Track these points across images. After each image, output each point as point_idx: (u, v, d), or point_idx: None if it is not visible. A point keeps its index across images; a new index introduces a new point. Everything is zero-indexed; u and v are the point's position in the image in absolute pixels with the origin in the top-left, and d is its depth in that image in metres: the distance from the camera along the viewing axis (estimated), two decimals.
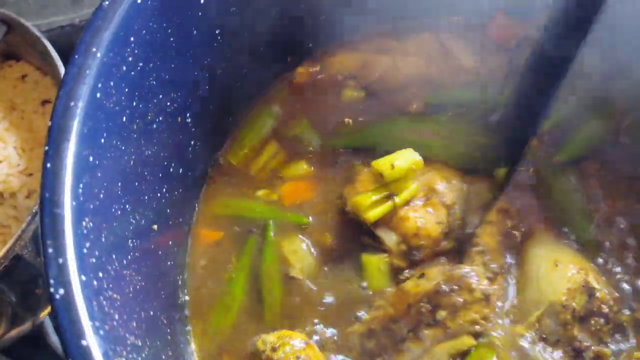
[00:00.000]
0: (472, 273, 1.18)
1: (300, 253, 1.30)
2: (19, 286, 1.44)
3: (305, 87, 1.52)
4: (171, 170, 1.24)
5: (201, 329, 1.25)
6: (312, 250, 1.31)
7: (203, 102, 1.31)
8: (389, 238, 1.23)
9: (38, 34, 1.53)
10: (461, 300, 1.14)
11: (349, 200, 1.27)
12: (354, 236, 1.29)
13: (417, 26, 1.56)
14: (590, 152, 1.38)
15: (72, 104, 0.89)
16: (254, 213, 1.36)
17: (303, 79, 1.52)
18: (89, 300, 0.77)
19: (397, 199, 1.23)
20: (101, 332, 0.76)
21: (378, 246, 1.26)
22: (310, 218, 1.34)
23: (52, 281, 0.76)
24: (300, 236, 1.33)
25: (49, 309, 1.54)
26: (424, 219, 1.24)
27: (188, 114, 1.26)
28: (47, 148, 0.85)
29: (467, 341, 1.14)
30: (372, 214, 1.22)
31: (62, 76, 1.44)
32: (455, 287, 1.15)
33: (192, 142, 1.32)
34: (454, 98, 1.46)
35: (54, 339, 1.56)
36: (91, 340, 0.74)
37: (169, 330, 1.13)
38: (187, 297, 1.29)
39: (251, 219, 1.36)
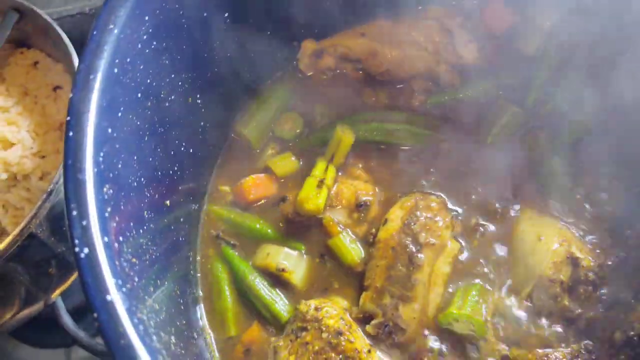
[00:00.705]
0: (420, 197, 1.32)
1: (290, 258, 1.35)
2: (32, 266, 1.47)
3: (309, 85, 1.56)
4: (182, 149, 1.28)
5: (209, 306, 1.31)
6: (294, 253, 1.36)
7: (212, 84, 1.35)
8: (339, 214, 1.35)
9: (50, 20, 1.56)
10: (428, 215, 1.28)
11: (289, 204, 1.37)
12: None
13: (423, 12, 1.58)
14: (583, 135, 1.43)
15: (92, 77, 0.93)
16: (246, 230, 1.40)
17: (307, 68, 1.55)
18: (111, 260, 0.81)
19: (328, 181, 1.37)
20: (124, 289, 0.80)
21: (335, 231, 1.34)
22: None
23: (76, 241, 0.80)
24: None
25: (61, 288, 1.57)
26: (354, 183, 1.38)
27: (198, 95, 1.30)
28: (68, 118, 0.89)
29: (454, 246, 1.29)
30: (317, 204, 1.33)
31: (74, 63, 1.50)
32: (417, 212, 1.29)
33: (202, 123, 1.36)
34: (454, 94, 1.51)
35: (65, 319, 1.58)
36: (115, 296, 0.78)
37: (181, 300, 1.17)
38: (198, 274, 1.33)
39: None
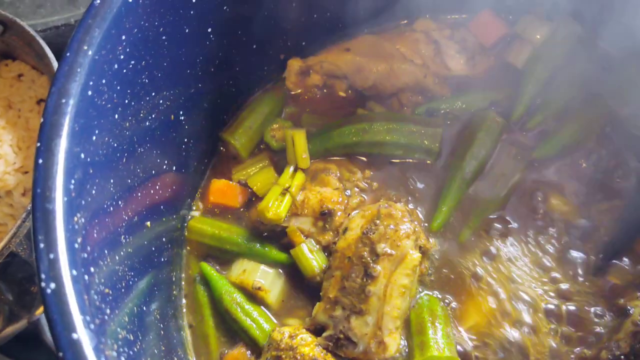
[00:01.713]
0: (385, 204, 1.27)
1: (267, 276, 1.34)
2: (14, 284, 1.45)
3: (297, 96, 1.54)
4: (165, 167, 1.25)
5: (194, 327, 1.28)
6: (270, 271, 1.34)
7: (196, 100, 1.33)
8: (304, 223, 1.33)
9: (34, 33, 1.54)
10: (390, 224, 1.23)
11: (255, 212, 1.36)
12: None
13: (409, 26, 1.57)
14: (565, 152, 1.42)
15: (64, 101, 0.90)
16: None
17: (294, 86, 1.53)
18: (80, 295, 0.78)
19: (292, 189, 1.35)
20: (92, 326, 0.77)
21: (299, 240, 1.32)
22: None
23: (43, 276, 0.77)
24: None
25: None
26: (321, 191, 1.35)
27: (181, 112, 1.28)
28: (38, 144, 0.86)
29: (415, 256, 1.23)
30: (277, 212, 1.32)
31: None
32: (377, 221, 1.24)
33: (186, 140, 1.33)
34: (443, 106, 1.49)
35: (49, 336, 1.56)
36: (82, 334, 0.75)
37: (161, 325, 1.14)
38: (182, 292, 1.31)
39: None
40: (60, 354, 0.73)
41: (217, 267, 1.35)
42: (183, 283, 1.35)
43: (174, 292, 1.30)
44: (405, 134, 1.41)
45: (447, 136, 1.45)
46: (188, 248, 1.38)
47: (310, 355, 1.16)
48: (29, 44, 1.58)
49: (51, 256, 0.78)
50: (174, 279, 1.31)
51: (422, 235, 1.30)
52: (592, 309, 1.27)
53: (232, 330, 1.28)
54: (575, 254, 1.33)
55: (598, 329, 1.25)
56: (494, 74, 1.51)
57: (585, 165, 1.41)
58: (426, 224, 1.37)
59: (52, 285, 0.77)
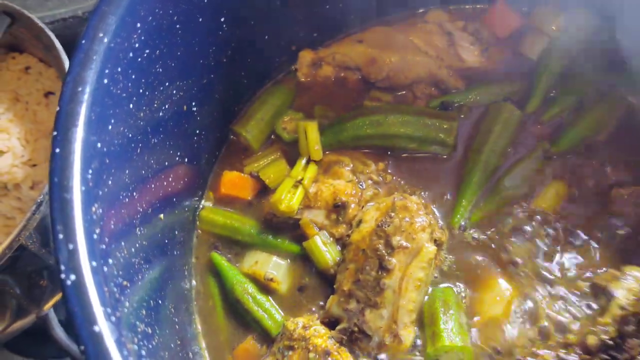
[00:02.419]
0: (399, 197, 1.26)
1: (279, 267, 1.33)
2: (23, 278, 1.43)
3: (308, 86, 1.52)
4: (177, 159, 1.23)
5: (206, 320, 1.27)
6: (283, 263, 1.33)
7: (208, 90, 1.31)
8: (317, 215, 1.31)
9: (42, 25, 1.52)
10: (405, 217, 1.22)
11: (268, 204, 1.35)
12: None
13: (422, 17, 1.55)
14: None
15: (80, 89, 0.88)
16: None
17: (306, 77, 1.51)
18: (100, 286, 0.76)
19: (305, 181, 1.33)
20: (113, 318, 0.75)
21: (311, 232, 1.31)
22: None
23: (62, 267, 0.75)
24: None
25: (53, 301, 1.52)
26: (334, 183, 1.33)
27: (194, 103, 1.26)
28: (55, 133, 0.84)
29: (430, 249, 1.21)
30: (289, 205, 1.30)
31: (66, 68, 1.45)
32: (392, 213, 1.22)
33: (198, 131, 1.31)
34: (457, 99, 1.47)
35: (57, 331, 1.54)
36: (103, 326, 0.74)
37: (176, 319, 1.12)
38: (194, 285, 1.29)
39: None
40: (82, 347, 0.71)
41: (229, 257, 1.34)
42: (194, 276, 1.33)
43: (186, 285, 1.28)
44: (420, 127, 1.39)
45: (462, 129, 1.43)
46: (199, 239, 1.36)
47: (323, 347, 1.15)
48: (37, 37, 1.56)
49: (70, 247, 0.76)
50: (186, 272, 1.29)
51: (437, 228, 1.28)
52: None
53: (244, 321, 1.27)
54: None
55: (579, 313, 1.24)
56: (508, 65, 1.49)
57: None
58: (440, 217, 1.35)
59: (72, 276, 0.75)
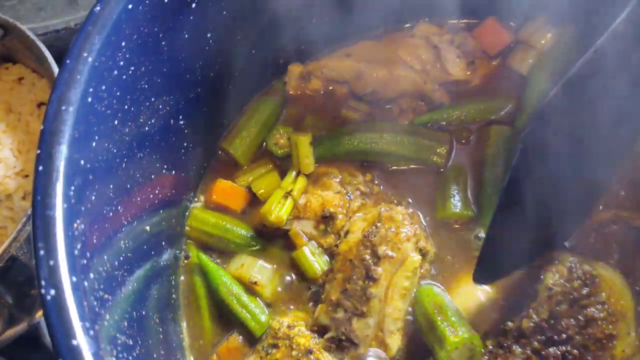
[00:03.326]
0: (386, 208, 1.29)
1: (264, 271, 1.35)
2: (14, 287, 1.45)
3: (297, 98, 1.54)
4: (163, 171, 1.26)
5: (191, 320, 1.30)
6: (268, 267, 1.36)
7: (195, 104, 1.33)
8: (306, 226, 1.34)
9: (34, 37, 1.54)
10: (390, 227, 1.25)
11: (258, 215, 1.38)
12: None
13: (410, 30, 1.57)
14: None
15: (64, 108, 0.90)
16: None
17: (295, 91, 1.54)
18: (79, 301, 0.79)
19: (294, 193, 1.37)
20: (91, 332, 0.78)
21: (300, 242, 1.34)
22: None
23: (43, 282, 0.78)
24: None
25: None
26: (323, 195, 1.36)
27: (181, 117, 1.28)
28: (39, 151, 0.86)
29: (415, 259, 1.25)
30: (278, 215, 1.33)
31: None
32: (378, 224, 1.26)
33: (185, 144, 1.33)
34: (445, 116, 1.49)
35: (49, 339, 1.56)
36: (81, 340, 0.76)
37: (161, 329, 1.15)
38: (181, 294, 1.32)
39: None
40: None
41: (215, 259, 1.37)
42: (181, 284, 1.36)
43: (173, 295, 1.30)
44: (415, 148, 1.42)
45: (454, 150, 1.45)
46: (188, 238, 1.39)
47: (306, 346, 1.19)
48: (29, 48, 1.59)
49: (51, 263, 0.79)
50: (173, 282, 1.31)
51: (423, 238, 1.31)
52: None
53: (229, 322, 1.30)
54: None
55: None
56: (495, 79, 1.51)
57: None
58: (426, 226, 1.38)
59: (52, 291, 0.77)
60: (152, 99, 1.15)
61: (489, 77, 1.52)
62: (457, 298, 1.30)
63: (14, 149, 1.55)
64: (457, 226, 1.38)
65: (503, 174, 1.38)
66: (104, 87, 0.98)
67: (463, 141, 1.46)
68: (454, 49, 1.53)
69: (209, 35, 1.28)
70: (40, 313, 1.55)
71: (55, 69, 1.50)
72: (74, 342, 0.75)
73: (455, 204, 1.36)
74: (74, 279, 0.80)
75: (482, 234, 1.35)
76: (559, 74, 1.42)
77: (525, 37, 1.52)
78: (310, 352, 1.18)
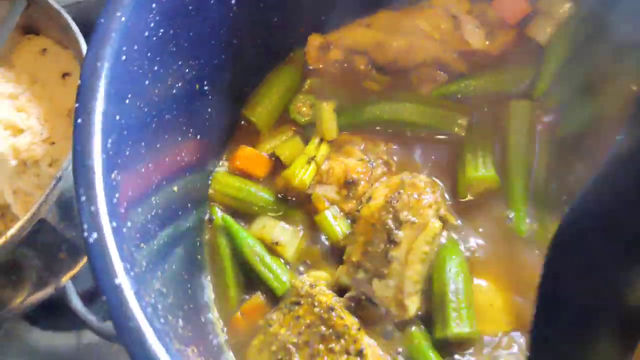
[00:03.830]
0: (408, 175, 1.32)
1: (285, 233, 1.38)
2: (43, 250, 1.49)
3: (317, 68, 1.56)
4: (189, 135, 1.29)
5: (216, 280, 1.34)
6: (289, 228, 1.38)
7: (219, 71, 1.36)
8: (328, 191, 1.37)
9: (58, 7, 1.58)
10: (413, 194, 1.28)
11: (281, 179, 1.41)
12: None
13: (428, 0, 1.58)
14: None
15: (99, 64, 0.94)
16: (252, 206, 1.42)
17: (315, 62, 1.55)
18: (119, 244, 0.82)
19: (317, 158, 1.39)
20: (132, 273, 0.81)
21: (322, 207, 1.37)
22: None
23: (85, 226, 0.81)
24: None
25: (71, 273, 1.59)
26: (345, 161, 1.39)
27: (205, 82, 1.31)
28: (77, 105, 0.90)
29: (436, 225, 1.28)
30: (302, 180, 1.37)
31: (82, 49, 1.51)
32: (401, 190, 1.29)
33: (209, 110, 1.37)
34: (463, 86, 1.50)
35: (75, 302, 1.61)
36: (123, 280, 0.80)
37: (189, 285, 1.19)
38: (206, 258, 1.35)
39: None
40: (104, 298, 0.78)
41: (241, 224, 1.39)
42: (206, 245, 1.38)
43: (198, 256, 1.34)
44: (436, 119, 1.45)
45: (475, 120, 1.46)
46: (212, 200, 1.42)
47: (328, 304, 1.22)
48: (52, 19, 1.62)
49: (92, 208, 0.82)
50: (198, 243, 1.35)
51: (444, 206, 1.34)
52: None
53: (252, 282, 1.33)
54: None
55: None
56: (514, 49, 1.51)
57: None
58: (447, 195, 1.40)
59: (94, 234, 0.81)
60: (179, 63, 1.19)
61: (508, 47, 1.52)
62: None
63: (40, 117, 1.59)
64: (479, 198, 1.39)
65: (527, 145, 1.40)
66: (135, 47, 1.02)
67: (484, 110, 1.47)
68: (473, 18, 1.54)
69: (232, 1, 1.30)
70: (67, 276, 1.59)
71: (80, 38, 1.54)
72: (116, 281, 0.79)
73: (479, 167, 1.38)
74: (114, 224, 0.83)
75: (512, 215, 1.37)
76: (577, 44, 1.46)
77: (544, 6, 1.51)
78: (332, 309, 1.22)
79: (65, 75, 1.67)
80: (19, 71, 1.66)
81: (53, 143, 1.56)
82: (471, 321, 1.24)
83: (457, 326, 1.22)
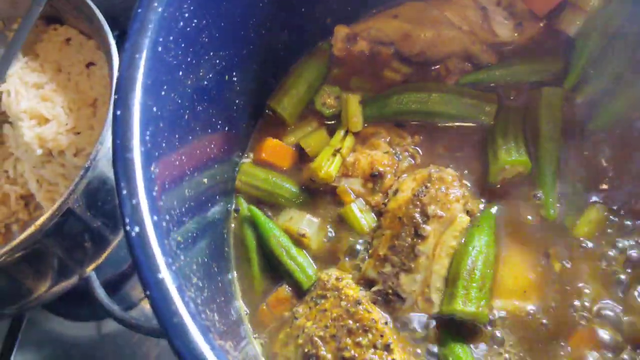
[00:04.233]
0: (436, 169, 1.32)
1: (312, 225, 1.37)
2: (67, 240, 1.49)
3: (343, 59, 1.55)
4: (218, 127, 1.28)
5: (243, 272, 1.34)
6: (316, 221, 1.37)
7: (247, 61, 1.35)
8: (354, 183, 1.37)
9: None
10: (440, 188, 1.28)
11: (307, 171, 1.40)
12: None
13: None
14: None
15: (137, 55, 0.93)
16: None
17: (341, 52, 1.54)
18: (161, 238, 0.82)
19: (343, 150, 1.39)
20: (173, 267, 0.81)
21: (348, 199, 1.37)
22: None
23: (127, 220, 0.81)
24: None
25: (95, 263, 1.60)
26: (371, 154, 1.38)
27: (234, 73, 1.31)
28: (116, 97, 0.89)
29: (464, 219, 1.28)
30: (328, 172, 1.36)
31: (108, 38, 1.50)
32: (428, 184, 1.29)
33: (237, 101, 1.36)
34: (490, 76, 1.49)
35: (99, 292, 1.61)
36: (165, 275, 0.79)
37: (219, 277, 1.18)
38: (232, 250, 1.35)
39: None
40: (148, 293, 0.77)
41: (268, 214, 1.39)
42: (232, 237, 1.38)
43: (225, 248, 1.34)
44: (463, 107, 1.43)
45: (502, 109, 1.44)
46: (239, 192, 1.41)
47: (354, 297, 1.22)
48: (77, 8, 1.61)
49: (134, 202, 0.82)
50: (225, 235, 1.35)
51: (471, 200, 1.32)
52: None
53: (278, 274, 1.32)
54: None
55: None
56: (543, 41, 1.50)
57: None
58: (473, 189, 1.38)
59: (137, 228, 0.80)
60: (211, 53, 1.18)
61: (537, 38, 1.51)
62: (505, 266, 1.29)
63: (65, 107, 1.58)
64: (509, 186, 1.37)
65: (558, 132, 1.38)
66: (171, 38, 1.01)
67: (511, 99, 1.46)
68: (502, 10, 1.52)
69: None
70: (91, 266, 1.60)
71: (106, 27, 1.53)
72: (160, 276, 0.79)
73: (512, 152, 1.35)
74: (155, 217, 0.83)
75: (541, 194, 1.35)
76: (607, 36, 1.44)
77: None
78: (358, 302, 1.21)
79: (89, 65, 1.67)
80: (44, 61, 1.66)
81: (78, 133, 1.56)
82: (478, 302, 1.22)
83: (463, 304, 1.21)
